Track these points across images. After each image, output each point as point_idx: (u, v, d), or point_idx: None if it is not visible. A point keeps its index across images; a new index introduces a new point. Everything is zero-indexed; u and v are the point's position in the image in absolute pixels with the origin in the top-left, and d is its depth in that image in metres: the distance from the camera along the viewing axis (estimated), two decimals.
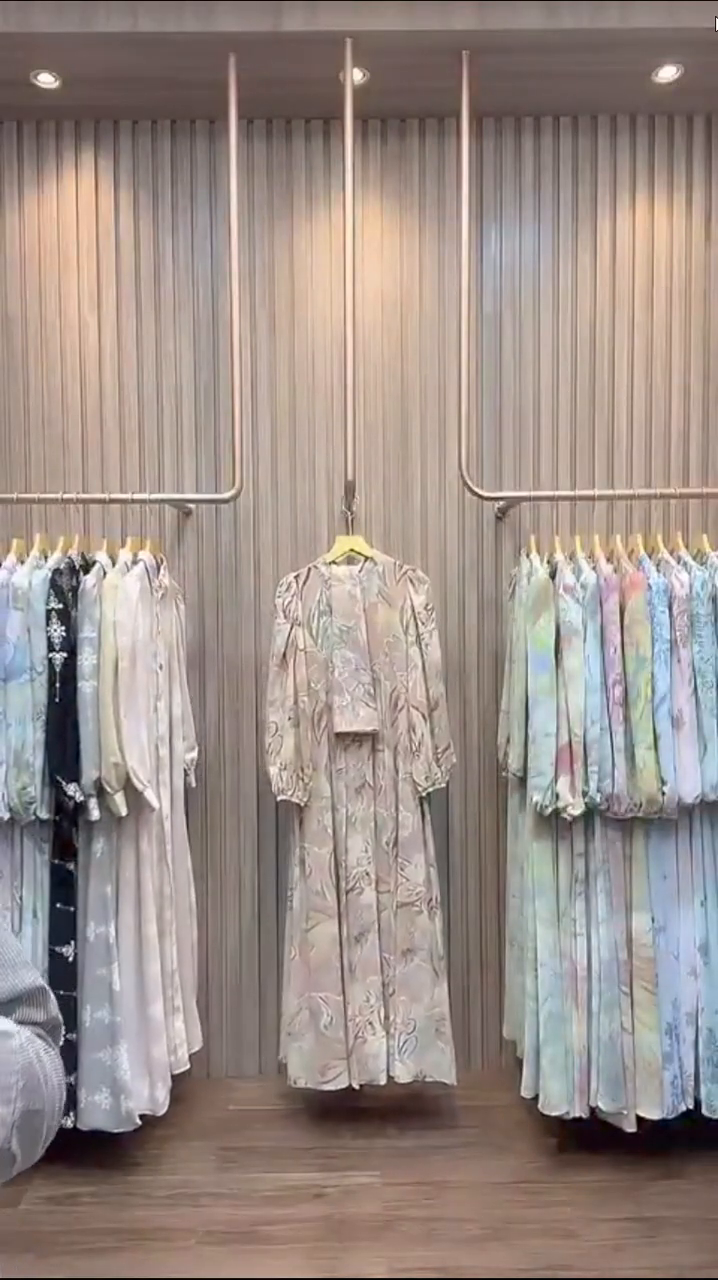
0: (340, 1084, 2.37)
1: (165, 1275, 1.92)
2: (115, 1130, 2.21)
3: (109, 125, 2.73)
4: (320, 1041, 2.37)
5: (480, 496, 2.53)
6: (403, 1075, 2.37)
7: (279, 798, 2.42)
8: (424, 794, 2.41)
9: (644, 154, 2.74)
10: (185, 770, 2.56)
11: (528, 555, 2.42)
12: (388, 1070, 2.37)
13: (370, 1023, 2.37)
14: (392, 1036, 2.38)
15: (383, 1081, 2.37)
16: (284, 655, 2.43)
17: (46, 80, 2.51)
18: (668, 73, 2.50)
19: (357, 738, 2.41)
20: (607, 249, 2.76)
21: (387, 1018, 2.39)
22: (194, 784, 2.62)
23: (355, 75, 2.46)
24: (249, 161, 2.72)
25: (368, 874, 2.39)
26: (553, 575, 2.27)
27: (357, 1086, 2.38)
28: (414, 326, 2.76)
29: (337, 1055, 2.37)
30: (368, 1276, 1.92)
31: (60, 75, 2.49)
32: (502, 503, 2.72)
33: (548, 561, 2.36)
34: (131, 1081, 2.21)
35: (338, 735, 2.40)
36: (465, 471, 2.48)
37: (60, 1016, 0.83)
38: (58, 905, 2.23)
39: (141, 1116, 2.24)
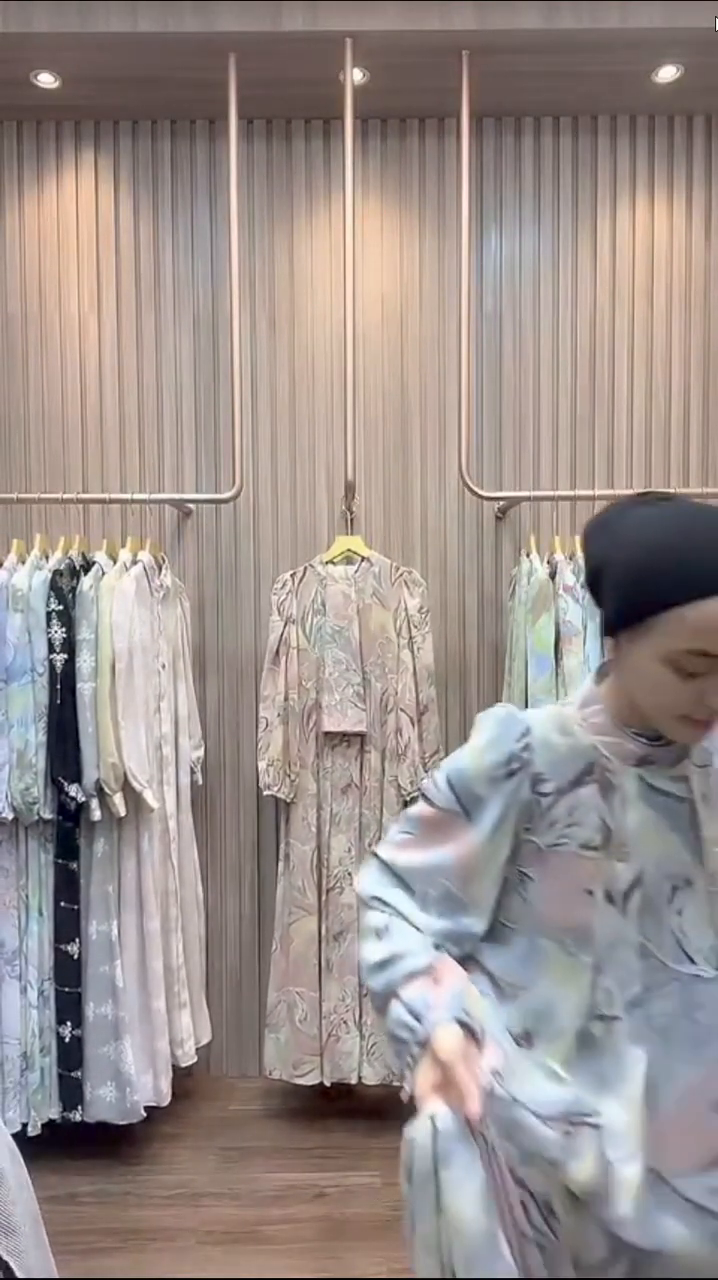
0: (312, 1080, 2.38)
1: (165, 1275, 1.92)
2: (121, 1122, 2.24)
3: (109, 125, 2.73)
4: (295, 1035, 2.39)
5: (481, 496, 2.53)
6: (371, 1077, 2.39)
7: (265, 792, 2.43)
8: (409, 798, 2.40)
9: (644, 154, 2.74)
10: (192, 768, 2.57)
11: (528, 555, 2.42)
12: (358, 1071, 2.38)
13: (345, 1021, 2.38)
14: (364, 1037, 2.39)
15: (354, 1081, 2.38)
16: (277, 652, 2.44)
17: (46, 80, 2.51)
18: (668, 73, 2.50)
19: (345, 738, 2.41)
20: (607, 249, 2.76)
21: (361, 1018, 2.40)
22: (200, 782, 2.63)
23: (355, 75, 2.46)
24: (249, 161, 2.72)
25: (350, 874, 2.39)
26: (553, 575, 2.27)
27: (327, 1084, 2.39)
28: (414, 326, 2.76)
29: (309, 1051, 2.38)
30: (368, 1276, 1.92)
31: (60, 75, 2.49)
32: (502, 503, 2.71)
33: (548, 561, 2.36)
34: (136, 1075, 2.24)
35: (326, 734, 2.40)
36: (465, 471, 2.48)
37: None
38: (62, 904, 2.25)
39: (146, 1109, 2.26)
